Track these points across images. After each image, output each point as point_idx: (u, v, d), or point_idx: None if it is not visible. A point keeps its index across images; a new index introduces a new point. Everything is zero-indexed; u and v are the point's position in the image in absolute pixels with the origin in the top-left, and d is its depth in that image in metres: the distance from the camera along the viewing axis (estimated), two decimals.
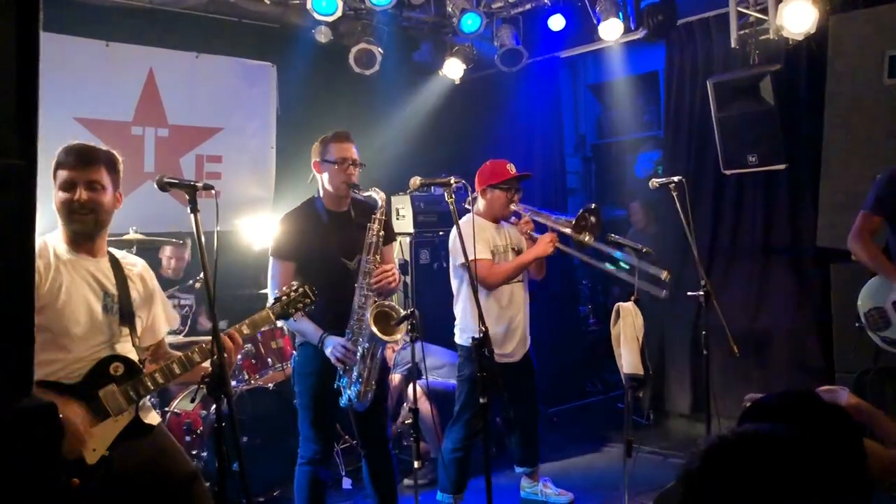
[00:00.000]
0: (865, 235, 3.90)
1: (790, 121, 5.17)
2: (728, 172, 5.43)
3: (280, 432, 4.72)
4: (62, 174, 2.64)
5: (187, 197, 2.58)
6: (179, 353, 2.80)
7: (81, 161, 2.65)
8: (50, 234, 2.71)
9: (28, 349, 1.34)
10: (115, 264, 2.81)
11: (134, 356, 2.74)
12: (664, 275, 4.02)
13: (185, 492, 2.80)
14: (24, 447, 1.24)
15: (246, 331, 2.90)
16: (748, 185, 5.58)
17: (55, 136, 5.03)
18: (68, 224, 2.66)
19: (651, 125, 7.63)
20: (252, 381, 4.89)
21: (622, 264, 4.11)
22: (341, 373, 3.58)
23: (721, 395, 5.62)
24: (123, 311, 2.75)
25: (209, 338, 2.61)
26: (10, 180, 1.30)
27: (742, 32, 5.23)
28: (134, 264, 2.92)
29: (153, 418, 2.82)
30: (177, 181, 2.62)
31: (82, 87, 5.37)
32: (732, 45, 5.28)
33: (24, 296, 1.32)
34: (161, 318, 2.99)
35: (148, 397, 2.79)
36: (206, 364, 2.68)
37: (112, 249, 2.85)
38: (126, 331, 2.75)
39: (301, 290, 3.03)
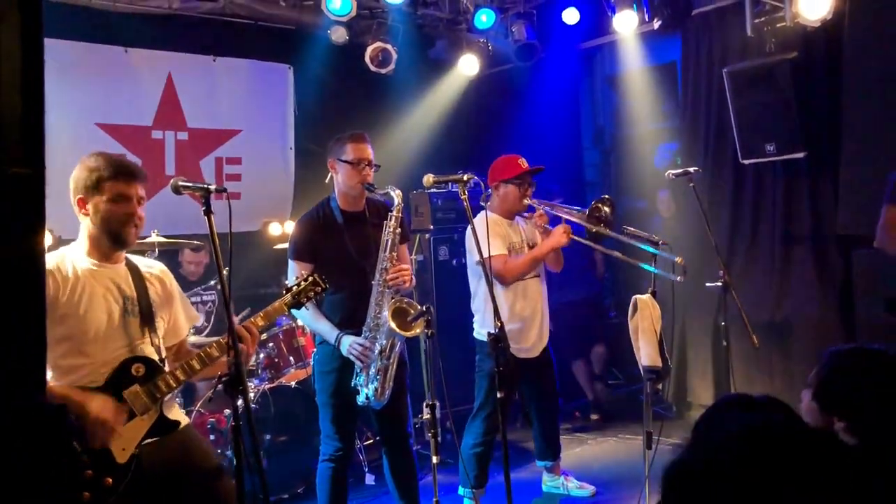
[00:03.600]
0: (895, 231, 3.87)
1: (808, 108, 5.11)
2: (746, 162, 5.39)
3: (303, 429, 4.77)
4: (112, 186, 2.71)
5: (201, 199, 2.63)
6: (199, 351, 2.86)
7: (133, 176, 2.77)
8: (67, 247, 2.79)
9: (40, 354, 1.38)
10: (133, 269, 2.88)
11: (155, 356, 2.80)
12: (678, 259, 4.00)
13: (210, 486, 2.86)
14: (33, 447, 1.29)
15: (261, 322, 2.94)
16: (767, 173, 5.53)
17: (77, 141, 5.25)
18: (116, 234, 2.73)
19: (670, 115, 7.56)
20: (274, 380, 4.94)
21: (645, 264, 4.08)
22: (358, 371, 3.62)
23: (743, 386, 5.61)
24: (144, 313, 2.82)
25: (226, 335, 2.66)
26: (18, 190, 1.34)
27: (758, 21, 5.18)
28: (151, 267, 2.99)
29: (177, 414, 2.89)
30: (191, 184, 2.67)
31: (103, 93, 5.48)
32: (748, 33, 5.23)
33: (34, 304, 1.36)
34: (182, 318, 3.05)
35: (171, 395, 2.85)
36: (225, 359, 2.76)
37: (129, 255, 2.92)
38: (147, 332, 2.82)
39: (311, 279, 3.07)
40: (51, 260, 2.69)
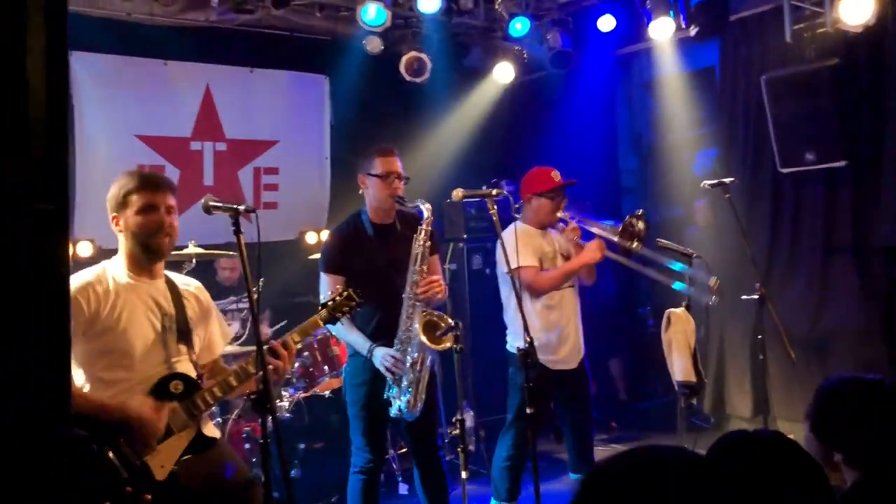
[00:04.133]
0: None
1: (849, 116, 4.99)
2: (785, 171, 5.29)
3: (337, 438, 4.81)
4: (138, 199, 2.76)
5: (230, 219, 2.67)
6: (235, 367, 2.91)
7: (159, 186, 2.82)
8: (108, 262, 2.86)
9: (64, 386, 1.42)
10: (171, 285, 2.94)
11: (192, 373, 2.85)
12: (712, 282, 3.94)
13: (241, 497, 2.91)
14: (60, 476, 1.32)
15: (297, 338, 2.99)
16: (807, 183, 5.41)
17: (117, 153, 5.36)
18: (148, 245, 2.78)
19: (708, 122, 7.46)
20: (308, 389, 4.99)
21: (677, 282, 4.03)
22: (391, 383, 3.63)
23: (783, 399, 5.52)
24: (181, 329, 2.87)
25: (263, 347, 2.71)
26: (42, 226, 1.37)
27: (797, 27, 5.08)
28: (188, 284, 3.05)
29: (212, 430, 2.94)
30: (221, 204, 2.73)
31: (142, 105, 5.58)
32: (787, 39, 5.13)
33: (59, 337, 1.40)
34: (217, 336, 3.10)
35: (208, 412, 2.90)
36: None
37: (167, 272, 2.98)
38: (184, 349, 2.88)
39: (346, 293, 3.11)
40: (90, 273, 2.77)
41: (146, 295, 2.83)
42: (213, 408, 4.07)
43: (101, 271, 2.80)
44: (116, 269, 2.82)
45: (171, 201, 2.84)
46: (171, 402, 2.72)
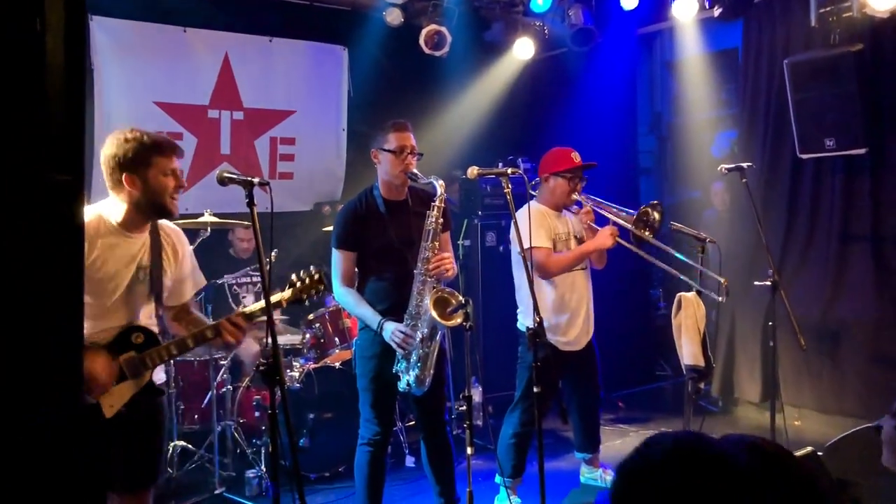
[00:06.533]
0: None
1: (872, 103, 4.94)
2: (804, 156, 5.24)
3: (346, 410, 4.85)
4: (164, 161, 2.82)
5: (244, 191, 2.69)
6: (195, 331, 2.93)
7: (178, 153, 2.91)
8: (101, 207, 2.85)
9: (77, 354, 1.45)
10: (154, 235, 2.96)
11: (154, 327, 2.93)
12: (722, 281, 3.92)
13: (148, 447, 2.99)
14: (75, 445, 1.35)
15: (258, 312, 2.95)
16: (826, 169, 5.37)
17: (135, 120, 5.33)
18: (163, 206, 2.83)
19: (729, 103, 7.39)
20: (319, 360, 5.04)
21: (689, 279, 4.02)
22: (400, 357, 3.66)
23: (793, 385, 5.53)
24: (153, 281, 2.92)
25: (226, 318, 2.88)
26: (60, 195, 1.40)
27: (823, 10, 5.01)
28: (168, 233, 3.05)
29: (161, 379, 3.06)
30: (235, 176, 2.75)
31: (162, 72, 5.58)
32: (812, 23, 5.07)
33: (73, 305, 1.42)
34: (188, 283, 3.15)
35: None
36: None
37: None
38: (152, 301, 2.94)
39: (317, 276, 3.02)
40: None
41: (128, 248, 2.87)
42: (226, 373, 4.14)
43: (96, 216, 2.82)
44: (110, 217, 2.83)
45: (181, 166, 2.93)
46: (130, 351, 2.80)
